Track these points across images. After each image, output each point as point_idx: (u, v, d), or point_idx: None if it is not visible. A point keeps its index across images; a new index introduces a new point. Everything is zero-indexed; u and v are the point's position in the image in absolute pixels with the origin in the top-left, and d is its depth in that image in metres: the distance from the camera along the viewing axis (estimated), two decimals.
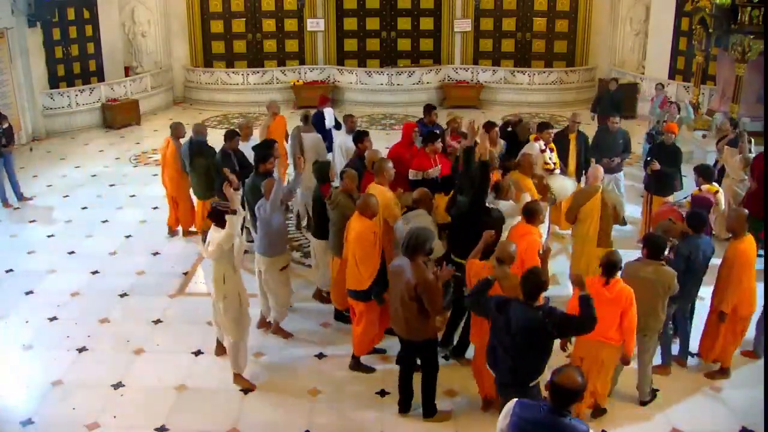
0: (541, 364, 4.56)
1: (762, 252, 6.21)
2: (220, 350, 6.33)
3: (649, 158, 8.27)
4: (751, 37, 10.51)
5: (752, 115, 11.19)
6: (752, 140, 8.59)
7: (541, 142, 8.07)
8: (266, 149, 7.49)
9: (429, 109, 9.02)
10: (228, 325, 5.81)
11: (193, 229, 9.11)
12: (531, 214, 5.88)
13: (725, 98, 11.87)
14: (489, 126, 8.11)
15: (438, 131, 8.09)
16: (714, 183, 7.44)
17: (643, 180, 8.79)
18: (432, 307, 5.05)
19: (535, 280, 4.51)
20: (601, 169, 7.12)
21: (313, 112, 9.43)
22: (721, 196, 7.33)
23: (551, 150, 8.15)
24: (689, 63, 13.90)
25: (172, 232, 9.20)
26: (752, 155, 8.38)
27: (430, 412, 5.48)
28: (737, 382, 5.97)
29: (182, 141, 8.75)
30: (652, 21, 15.48)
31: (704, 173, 7.39)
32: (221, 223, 5.65)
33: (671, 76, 14.91)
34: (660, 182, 8.20)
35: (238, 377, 5.98)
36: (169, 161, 8.82)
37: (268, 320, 6.82)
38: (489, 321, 4.74)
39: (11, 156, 10.31)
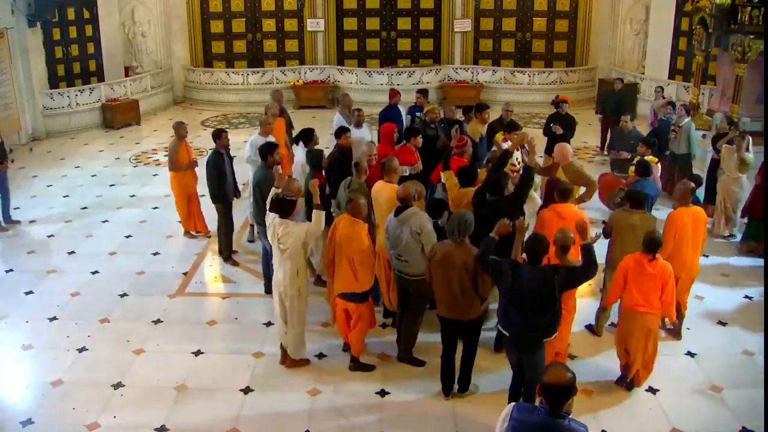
0: (549, 319, 4.90)
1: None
2: (287, 360, 6.18)
3: (552, 123, 9.64)
4: (751, 37, 10.49)
5: (752, 115, 11.17)
6: (750, 140, 8.60)
7: (510, 142, 8.08)
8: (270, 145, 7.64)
9: (422, 92, 10.12)
10: (297, 314, 5.93)
11: (193, 232, 9.09)
12: (566, 193, 6.39)
13: (725, 98, 11.84)
14: (481, 107, 9.11)
15: (419, 113, 9.19)
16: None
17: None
18: (484, 287, 5.30)
19: (537, 245, 4.91)
20: (568, 147, 7.80)
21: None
22: (659, 168, 8.32)
23: (517, 150, 8.20)
24: (689, 63, 13.89)
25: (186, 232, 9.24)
26: (750, 154, 8.41)
27: (467, 386, 5.75)
28: (737, 382, 5.97)
29: (186, 140, 8.95)
30: (652, 21, 15.47)
31: (647, 144, 8.39)
32: (286, 214, 5.67)
33: (671, 76, 14.90)
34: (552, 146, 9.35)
35: (297, 362, 6.13)
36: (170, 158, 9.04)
37: None
38: (500, 284, 5.03)
39: (4, 174, 9.52)
